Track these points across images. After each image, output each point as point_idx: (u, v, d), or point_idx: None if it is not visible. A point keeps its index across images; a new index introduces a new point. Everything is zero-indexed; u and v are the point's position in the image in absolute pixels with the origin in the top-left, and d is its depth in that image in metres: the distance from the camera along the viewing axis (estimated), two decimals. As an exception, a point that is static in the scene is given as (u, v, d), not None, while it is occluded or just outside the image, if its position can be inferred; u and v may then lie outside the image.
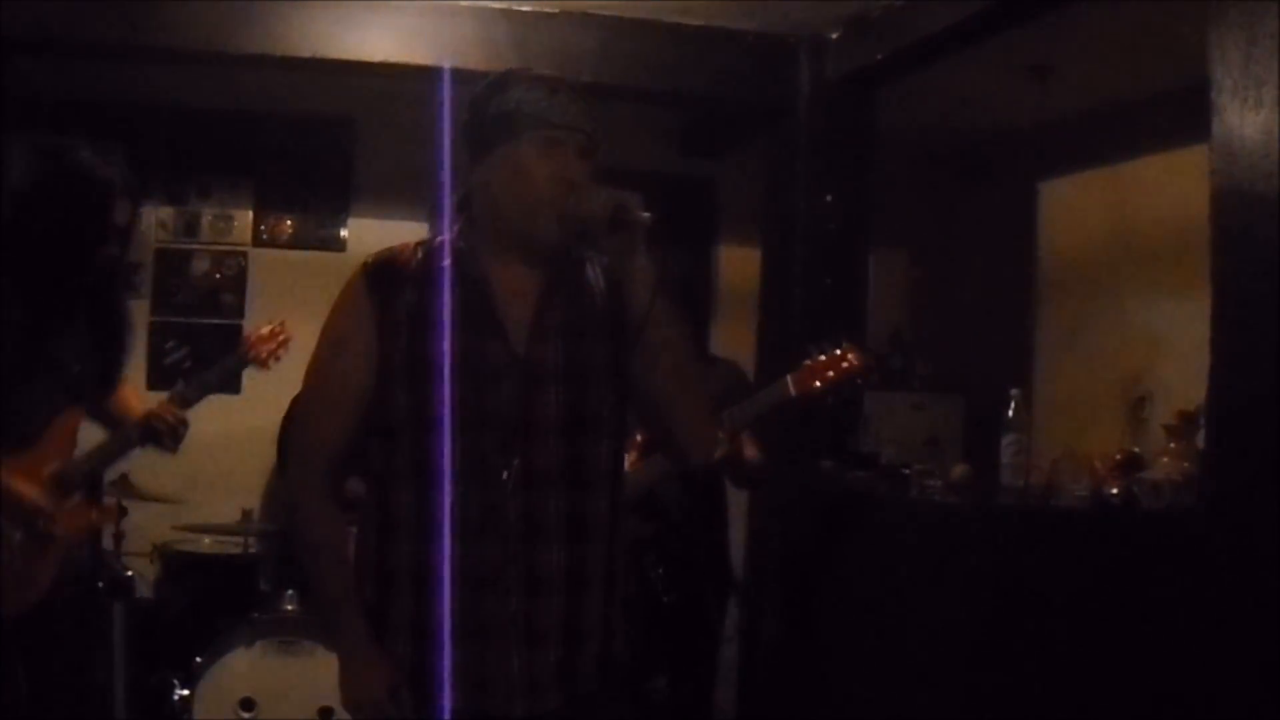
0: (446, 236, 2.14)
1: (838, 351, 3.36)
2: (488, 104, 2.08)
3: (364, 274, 2.11)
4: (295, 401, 4.66)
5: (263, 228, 5.46)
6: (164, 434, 3.09)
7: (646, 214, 1.99)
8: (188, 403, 3.14)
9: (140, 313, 5.26)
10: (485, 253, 2.09)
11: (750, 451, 3.66)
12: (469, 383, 2.02)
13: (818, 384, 3.34)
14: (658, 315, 2.01)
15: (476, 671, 2.03)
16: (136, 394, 3.15)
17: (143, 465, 4.18)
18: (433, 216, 5.37)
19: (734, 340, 4.83)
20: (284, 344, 3.29)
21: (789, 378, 3.38)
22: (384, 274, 2.10)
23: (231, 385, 5.31)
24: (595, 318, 2.10)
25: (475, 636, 2.02)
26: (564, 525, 2.05)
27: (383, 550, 2.09)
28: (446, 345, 2.03)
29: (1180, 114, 3.24)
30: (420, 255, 2.13)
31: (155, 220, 5.35)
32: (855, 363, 3.35)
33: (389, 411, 2.07)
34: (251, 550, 4.50)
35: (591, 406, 2.07)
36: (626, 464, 3.25)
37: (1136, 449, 3.70)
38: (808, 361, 3.37)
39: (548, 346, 2.06)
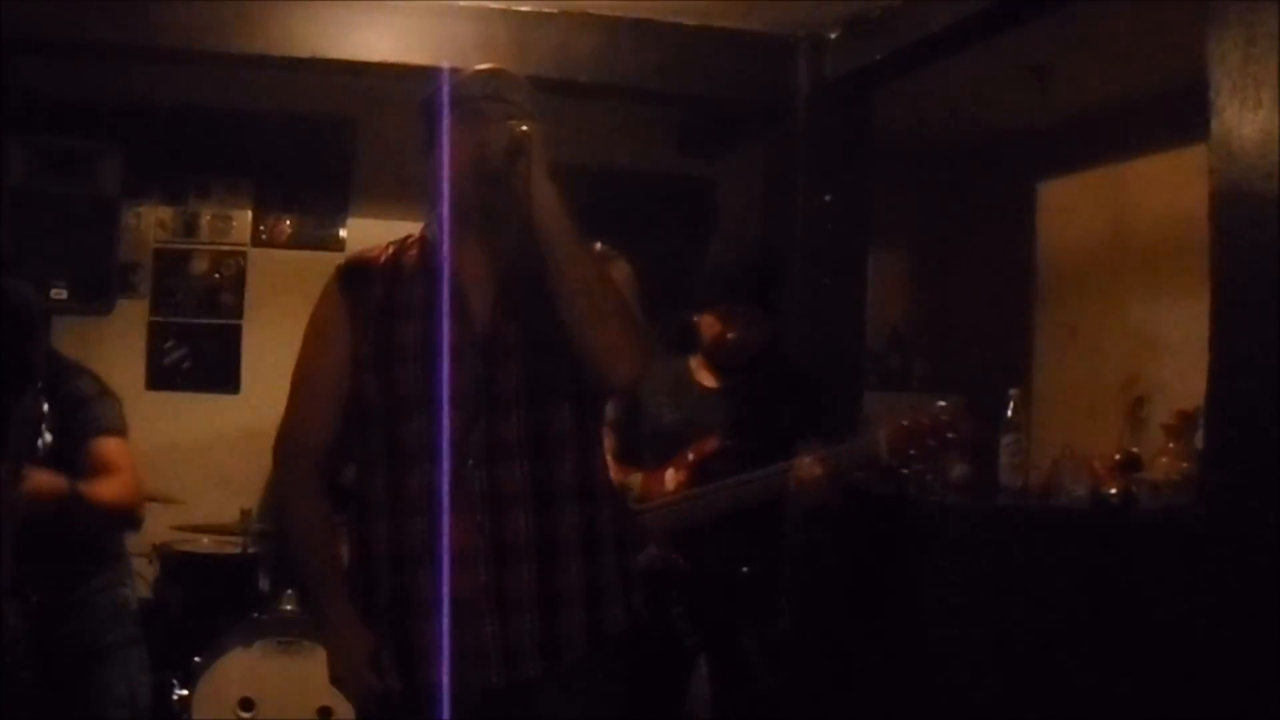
0: (419, 234, 2.26)
1: (944, 417, 2.94)
2: (429, 102, 2.20)
3: (337, 275, 2.24)
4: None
5: (262, 228, 5.46)
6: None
7: (525, 128, 2.04)
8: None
9: (139, 312, 5.28)
10: (449, 240, 2.17)
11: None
12: (434, 364, 2.10)
13: (914, 450, 2.97)
14: (558, 233, 2.04)
15: (452, 643, 2.07)
16: (120, 448, 3.04)
17: (142, 465, 4.18)
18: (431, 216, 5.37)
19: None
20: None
21: (882, 436, 2.97)
22: (355, 273, 2.23)
23: (230, 385, 5.35)
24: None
25: (449, 609, 2.07)
26: (530, 494, 2.11)
27: (364, 531, 2.18)
28: (411, 331, 2.13)
29: (1180, 114, 3.24)
30: (390, 252, 2.26)
31: (154, 220, 5.36)
32: (965, 434, 2.96)
33: (364, 400, 2.17)
34: (251, 550, 4.49)
35: (552, 378, 2.13)
36: (672, 484, 3.16)
37: (1135, 449, 3.70)
38: (907, 421, 2.97)
39: (509, 324, 2.14)
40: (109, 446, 3.01)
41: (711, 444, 3.17)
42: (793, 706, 3.79)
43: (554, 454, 2.13)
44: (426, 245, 2.22)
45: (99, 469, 2.97)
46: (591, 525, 2.16)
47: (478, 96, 2.15)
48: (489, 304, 2.15)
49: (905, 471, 4.17)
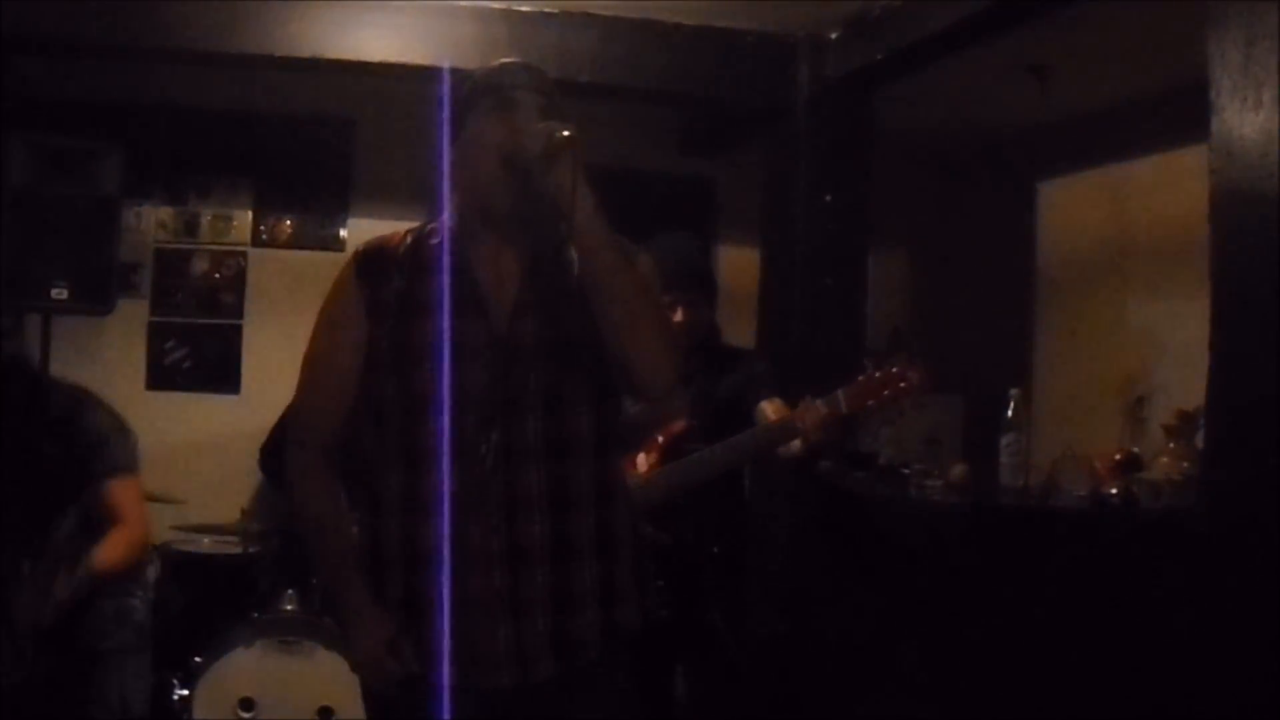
0: (438, 222, 2.20)
1: (895, 369, 3.12)
2: (456, 94, 2.15)
3: (354, 262, 2.19)
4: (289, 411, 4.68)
5: (262, 228, 5.46)
6: None
7: (568, 131, 1.97)
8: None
9: (139, 313, 5.28)
10: (469, 235, 2.15)
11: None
12: (451, 363, 2.07)
13: (871, 402, 3.12)
14: (595, 237, 2.00)
15: (464, 645, 2.07)
16: (130, 492, 3.09)
17: (142, 465, 4.18)
18: (432, 216, 5.37)
19: (733, 340, 4.84)
20: None
21: (841, 393, 3.14)
22: (373, 261, 2.18)
23: (230, 385, 5.35)
24: (576, 292, 2.09)
25: (462, 611, 2.06)
26: (545, 497, 2.08)
27: (374, 531, 2.16)
28: (428, 328, 2.09)
29: (1180, 114, 3.24)
30: (409, 241, 2.20)
31: (155, 220, 5.36)
32: (915, 382, 3.11)
33: (377, 395, 2.14)
34: (251, 550, 4.49)
35: (571, 380, 2.11)
36: (644, 466, 3.32)
37: (1136, 449, 3.71)
38: (861, 378, 3.15)
39: (528, 324, 2.11)
40: (121, 491, 3.04)
41: (679, 425, 3.35)
42: (766, 687, 3.83)
43: (571, 456, 2.11)
44: (445, 238, 2.16)
45: (108, 513, 3.01)
46: (607, 527, 2.14)
47: (508, 86, 2.10)
48: (509, 303, 2.12)
49: (905, 471, 4.18)
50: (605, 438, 2.17)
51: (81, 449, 3.02)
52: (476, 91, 2.11)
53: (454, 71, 2.19)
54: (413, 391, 2.09)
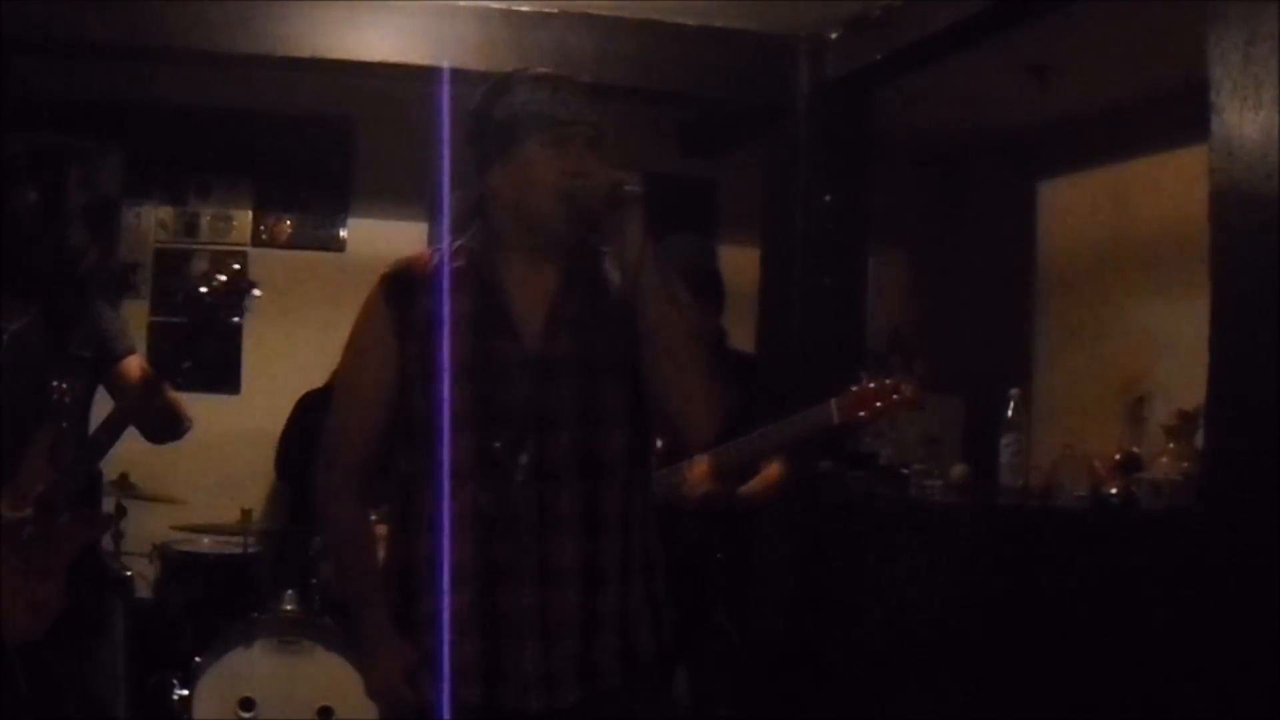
0: (464, 241, 2.18)
1: (888, 381, 3.11)
2: (492, 108, 2.12)
3: (382, 284, 2.18)
4: (296, 408, 4.68)
5: (262, 228, 5.46)
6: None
7: (636, 187, 2.01)
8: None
9: (139, 313, 5.28)
10: (499, 254, 2.13)
11: (774, 472, 3.36)
12: (481, 382, 2.07)
13: (863, 414, 3.10)
14: (654, 290, 2.02)
15: (492, 665, 2.06)
16: (140, 365, 3.09)
17: (142, 465, 4.18)
18: (433, 217, 5.37)
19: (733, 340, 4.84)
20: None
21: (834, 403, 3.11)
22: (401, 282, 2.16)
23: (231, 385, 5.35)
24: (610, 311, 2.11)
25: (491, 630, 2.05)
26: (578, 518, 2.07)
27: (405, 548, 2.14)
28: (458, 347, 2.08)
29: (1180, 114, 3.24)
30: (436, 261, 2.18)
31: (155, 220, 5.36)
32: (907, 395, 3.10)
33: (409, 415, 2.13)
34: (251, 550, 4.50)
35: (604, 399, 2.09)
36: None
37: (1136, 449, 3.70)
38: (855, 388, 3.11)
39: (560, 342, 2.09)
40: (142, 364, 3.06)
41: None
42: (770, 687, 3.82)
43: (603, 476, 2.09)
44: (474, 257, 2.15)
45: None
46: (631, 550, 2.13)
47: (562, 120, 2.09)
48: (539, 322, 2.10)
49: (905, 471, 4.18)
50: (637, 456, 2.15)
51: (97, 329, 3.03)
52: (530, 116, 2.08)
53: (455, 72, 2.19)
54: (442, 410, 2.07)
